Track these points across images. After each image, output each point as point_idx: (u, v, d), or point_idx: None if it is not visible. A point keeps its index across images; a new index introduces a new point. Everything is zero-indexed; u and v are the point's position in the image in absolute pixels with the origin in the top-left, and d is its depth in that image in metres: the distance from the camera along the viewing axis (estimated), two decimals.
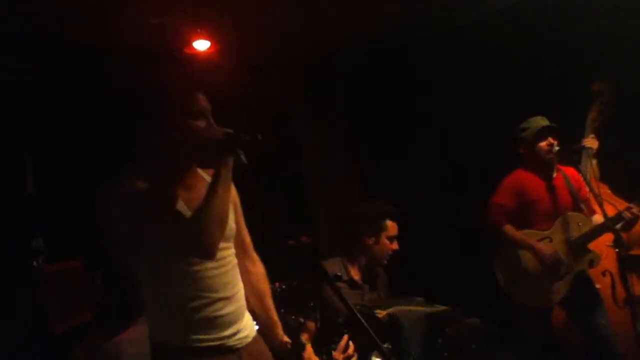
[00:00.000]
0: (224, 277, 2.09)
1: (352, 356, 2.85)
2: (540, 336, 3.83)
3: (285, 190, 5.75)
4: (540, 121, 3.80)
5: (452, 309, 3.40)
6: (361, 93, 6.21)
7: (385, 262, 3.50)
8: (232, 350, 2.09)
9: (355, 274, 3.48)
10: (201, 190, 2.06)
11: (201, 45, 4.74)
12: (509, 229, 3.79)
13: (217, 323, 2.06)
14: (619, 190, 4.12)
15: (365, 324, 2.23)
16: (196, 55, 4.81)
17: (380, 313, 3.05)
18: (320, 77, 6.24)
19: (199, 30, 4.64)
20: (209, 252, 1.98)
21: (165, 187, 2.03)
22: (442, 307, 3.35)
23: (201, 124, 2.03)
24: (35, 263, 3.97)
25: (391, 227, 3.50)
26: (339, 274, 3.12)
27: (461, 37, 5.18)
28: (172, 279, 2.01)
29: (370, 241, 3.46)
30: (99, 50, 4.63)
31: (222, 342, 2.06)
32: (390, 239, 3.50)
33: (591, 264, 3.69)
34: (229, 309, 2.09)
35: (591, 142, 4.24)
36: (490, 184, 4.07)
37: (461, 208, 4.51)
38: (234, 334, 2.09)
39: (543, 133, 3.74)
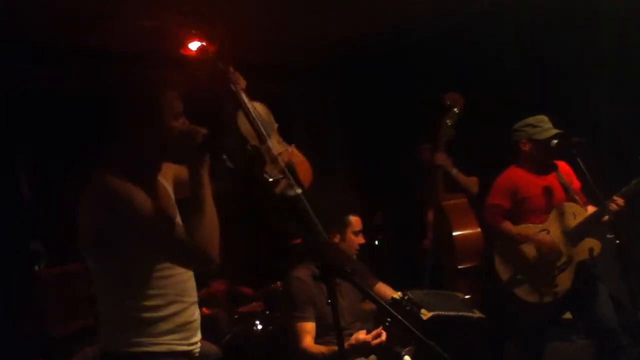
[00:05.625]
0: (192, 282, 2.06)
1: (381, 342, 2.85)
2: (542, 334, 3.82)
3: None
4: (550, 123, 3.74)
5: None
6: (360, 93, 6.20)
7: (355, 256, 3.44)
8: (194, 357, 2.06)
9: None
10: (164, 194, 2.03)
11: (196, 46, 4.73)
12: (507, 225, 3.77)
13: (192, 327, 2.03)
14: None
15: (399, 317, 2.16)
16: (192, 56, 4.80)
17: (425, 314, 3.06)
18: (320, 78, 6.25)
19: (194, 32, 4.64)
20: (214, 260, 1.88)
21: (149, 189, 1.94)
22: (478, 314, 3.39)
23: (180, 123, 1.94)
24: (36, 267, 3.98)
25: (355, 221, 3.46)
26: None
27: (460, 37, 5.18)
28: (150, 283, 1.92)
29: (337, 239, 3.42)
30: (97, 54, 4.65)
31: (191, 347, 2.03)
32: (356, 233, 3.44)
33: (591, 252, 3.66)
34: (197, 314, 2.07)
35: (441, 160, 4.40)
36: (490, 184, 4.03)
37: None
38: (197, 342, 2.06)
39: (556, 138, 3.69)
